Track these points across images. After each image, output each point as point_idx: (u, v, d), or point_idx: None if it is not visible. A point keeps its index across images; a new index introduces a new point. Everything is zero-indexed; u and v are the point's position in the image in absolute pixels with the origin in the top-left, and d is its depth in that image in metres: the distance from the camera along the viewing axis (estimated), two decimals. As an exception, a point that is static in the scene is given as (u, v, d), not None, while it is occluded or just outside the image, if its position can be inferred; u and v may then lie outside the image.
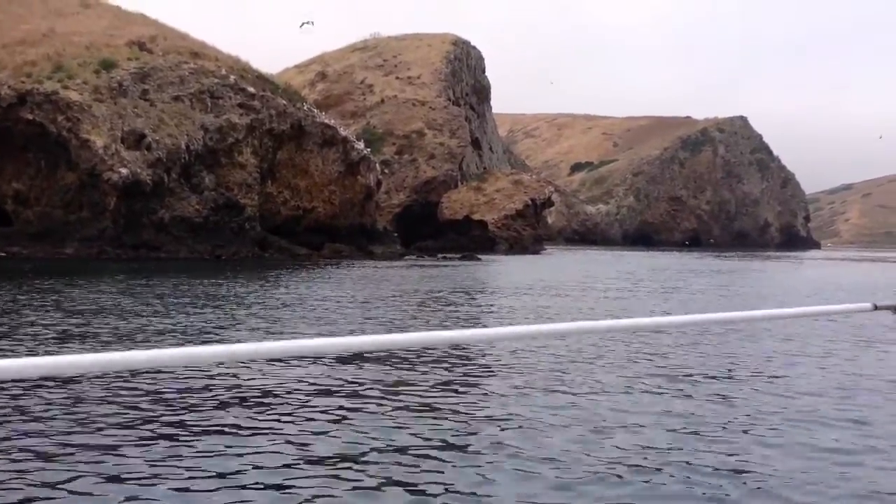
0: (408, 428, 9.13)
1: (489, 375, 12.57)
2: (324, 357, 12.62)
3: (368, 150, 68.21)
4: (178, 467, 7.53)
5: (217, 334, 16.65)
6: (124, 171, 49.22)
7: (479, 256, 65.99)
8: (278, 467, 7.65)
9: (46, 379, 10.21)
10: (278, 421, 9.32)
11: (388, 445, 8.42)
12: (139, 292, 25.62)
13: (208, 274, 35.25)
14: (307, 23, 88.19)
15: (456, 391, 11.32)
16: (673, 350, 15.58)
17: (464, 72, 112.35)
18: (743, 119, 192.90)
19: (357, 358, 12.99)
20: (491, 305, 26.38)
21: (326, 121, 64.06)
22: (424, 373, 12.47)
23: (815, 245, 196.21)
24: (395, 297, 26.76)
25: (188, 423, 9.11)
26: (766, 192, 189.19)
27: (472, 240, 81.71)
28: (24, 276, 31.47)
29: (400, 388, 11.32)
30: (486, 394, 11.24)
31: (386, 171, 77.68)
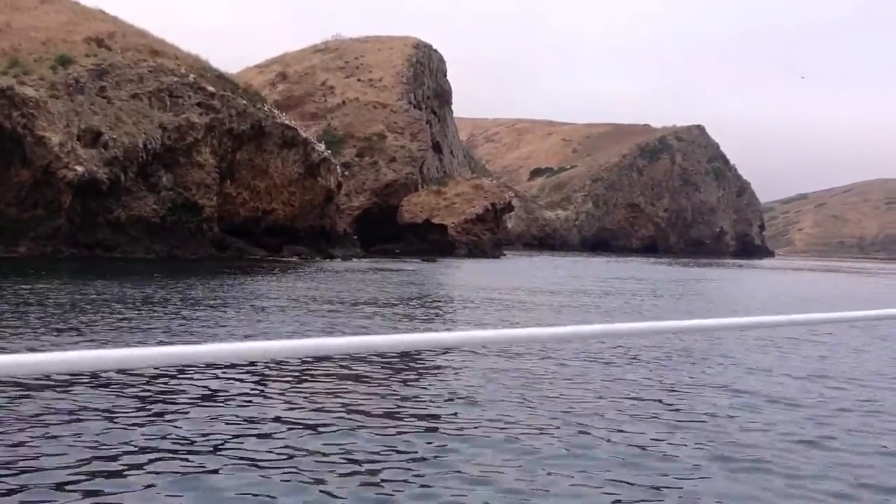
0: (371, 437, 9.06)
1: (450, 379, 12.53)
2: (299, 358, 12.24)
3: (329, 151, 67.88)
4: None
5: (151, 338, 16.42)
6: (80, 168, 48.50)
7: (438, 260, 66.12)
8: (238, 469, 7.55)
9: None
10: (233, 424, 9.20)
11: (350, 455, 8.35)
12: (82, 292, 25.24)
13: (159, 275, 34.85)
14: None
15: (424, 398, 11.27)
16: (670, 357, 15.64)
17: (425, 75, 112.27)
18: (700, 128, 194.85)
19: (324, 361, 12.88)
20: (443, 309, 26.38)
21: (287, 122, 63.65)
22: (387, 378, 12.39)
23: (770, 254, 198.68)
24: (349, 302, 26.65)
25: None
26: (723, 200, 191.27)
27: (431, 243, 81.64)
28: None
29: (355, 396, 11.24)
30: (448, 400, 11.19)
31: (346, 173, 77.28)
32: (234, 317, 20.50)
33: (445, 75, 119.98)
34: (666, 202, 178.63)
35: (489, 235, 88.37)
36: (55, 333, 16.08)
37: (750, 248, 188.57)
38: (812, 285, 58.16)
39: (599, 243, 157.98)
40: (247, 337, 16.97)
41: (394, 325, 20.52)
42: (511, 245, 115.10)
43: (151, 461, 7.76)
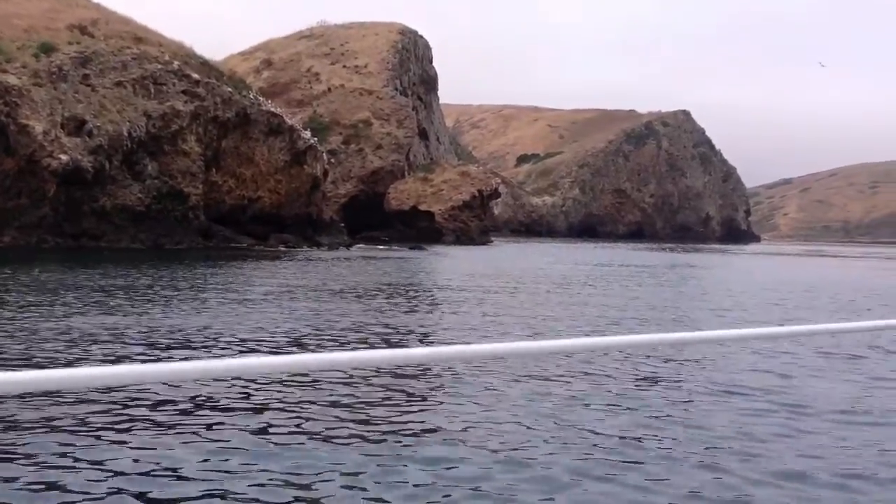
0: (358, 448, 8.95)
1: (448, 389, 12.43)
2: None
3: (315, 139, 67.57)
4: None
5: (129, 337, 16.26)
6: (64, 157, 48.08)
7: (426, 247, 66.03)
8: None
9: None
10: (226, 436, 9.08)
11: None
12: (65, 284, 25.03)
13: (145, 264, 34.62)
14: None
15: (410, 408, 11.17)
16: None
17: (411, 61, 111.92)
18: (686, 113, 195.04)
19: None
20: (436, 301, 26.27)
21: (272, 109, 63.29)
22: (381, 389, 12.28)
23: (755, 238, 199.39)
24: (337, 292, 26.51)
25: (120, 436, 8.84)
26: (709, 185, 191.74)
27: (419, 231, 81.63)
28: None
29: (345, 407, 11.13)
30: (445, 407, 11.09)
31: (332, 160, 76.98)
32: (221, 307, 20.31)
33: (431, 61, 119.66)
34: (652, 188, 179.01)
35: (476, 222, 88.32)
36: (38, 328, 15.88)
37: (736, 234, 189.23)
38: (800, 271, 58.28)
39: (586, 229, 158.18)
40: (239, 334, 16.83)
41: (385, 318, 20.38)
42: (498, 232, 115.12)
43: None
